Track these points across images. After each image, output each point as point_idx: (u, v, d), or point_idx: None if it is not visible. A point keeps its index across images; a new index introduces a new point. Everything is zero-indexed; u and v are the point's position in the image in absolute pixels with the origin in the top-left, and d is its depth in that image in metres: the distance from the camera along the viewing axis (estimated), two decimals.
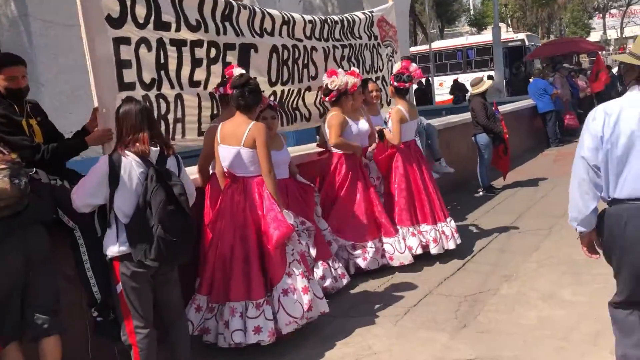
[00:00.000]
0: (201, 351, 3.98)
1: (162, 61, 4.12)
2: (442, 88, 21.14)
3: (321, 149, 5.65)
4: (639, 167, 2.63)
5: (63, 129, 3.81)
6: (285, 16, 5.26)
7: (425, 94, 18.82)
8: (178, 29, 4.21)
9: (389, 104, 6.57)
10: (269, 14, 5.08)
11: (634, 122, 2.63)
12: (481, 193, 8.52)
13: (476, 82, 8.58)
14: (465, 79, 16.63)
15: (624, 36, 45.36)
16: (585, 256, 3.01)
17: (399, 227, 5.48)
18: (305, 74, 5.58)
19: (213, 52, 4.54)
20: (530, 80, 14.17)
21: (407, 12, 13.82)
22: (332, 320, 4.36)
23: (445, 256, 5.59)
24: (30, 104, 3.61)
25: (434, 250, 5.52)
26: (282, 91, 5.36)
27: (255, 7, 5.02)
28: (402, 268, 5.35)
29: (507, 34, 26.02)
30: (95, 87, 3.62)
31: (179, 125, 4.33)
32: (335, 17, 6.06)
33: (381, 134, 5.61)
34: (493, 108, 8.49)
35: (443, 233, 5.60)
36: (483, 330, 4.03)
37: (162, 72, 4.13)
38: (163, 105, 4.16)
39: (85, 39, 3.56)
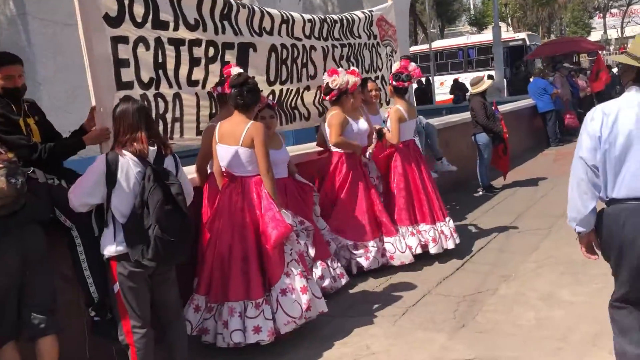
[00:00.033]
0: (200, 351, 3.98)
1: (160, 60, 4.11)
2: (442, 87, 21.12)
3: (321, 149, 5.64)
4: (636, 167, 2.65)
5: (61, 128, 3.80)
6: (284, 15, 5.25)
7: (425, 93, 18.84)
8: (176, 28, 4.20)
9: (388, 103, 6.56)
10: (268, 13, 5.07)
11: (631, 122, 2.65)
12: (481, 193, 8.51)
13: (476, 82, 8.57)
14: (466, 78, 16.59)
15: (624, 36, 45.37)
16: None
17: (398, 226, 5.48)
18: (305, 73, 5.57)
19: (211, 51, 4.53)
20: (531, 79, 14.16)
21: (407, 12, 13.82)
22: (331, 320, 4.35)
23: (444, 256, 5.59)
24: (28, 102, 3.60)
25: (433, 249, 5.52)
26: (281, 90, 5.35)
27: (255, 6, 5.01)
28: (402, 267, 5.34)
29: (508, 33, 26.01)
30: (93, 86, 3.61)
31: (177, 125, 4.32)
32: (335, 17, 6.05)
33: (380, 133, 5.61)
34: (493, 107, 8.49)
35: (442, 233, 5.60)
36: (481, 331, 4.02)
37: (160, 72, 4.12)
38: (161, 104, 4.15)
39: (83, 38, 3.55)
